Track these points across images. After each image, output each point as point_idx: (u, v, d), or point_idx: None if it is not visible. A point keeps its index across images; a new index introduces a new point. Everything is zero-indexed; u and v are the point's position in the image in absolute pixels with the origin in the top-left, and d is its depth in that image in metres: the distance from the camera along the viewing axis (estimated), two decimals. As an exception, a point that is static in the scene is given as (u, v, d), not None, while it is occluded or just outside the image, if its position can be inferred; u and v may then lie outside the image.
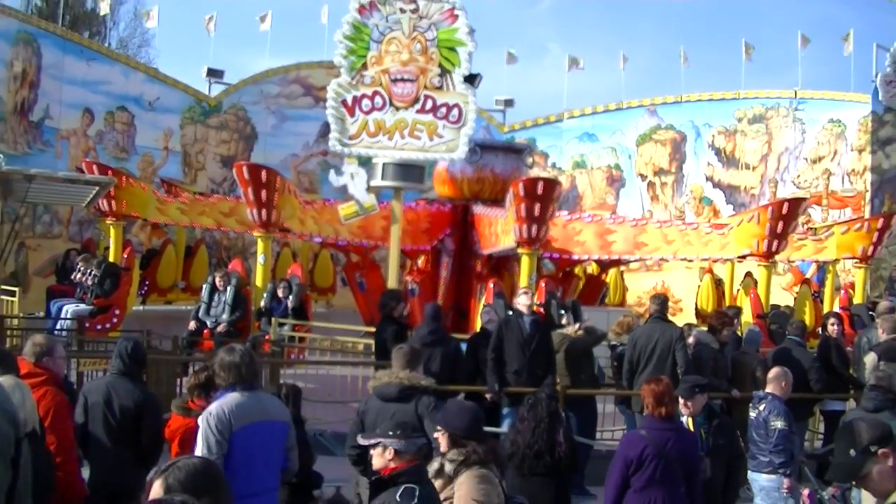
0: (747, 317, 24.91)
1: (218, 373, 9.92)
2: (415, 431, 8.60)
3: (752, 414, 13.71)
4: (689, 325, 19.13)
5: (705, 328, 19.97)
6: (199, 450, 9.33)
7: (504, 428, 15.38)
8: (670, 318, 18.58)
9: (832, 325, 19.24)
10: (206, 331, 23.82)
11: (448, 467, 8.29)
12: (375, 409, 10.95)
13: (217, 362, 9.95)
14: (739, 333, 20.06)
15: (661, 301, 17.98)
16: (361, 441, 8.61)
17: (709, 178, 40.72)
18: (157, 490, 5.32)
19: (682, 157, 41.60)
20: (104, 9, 47.43)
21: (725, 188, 40.20)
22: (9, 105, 31.69)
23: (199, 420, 9.52)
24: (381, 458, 8.17)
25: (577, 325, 18.57)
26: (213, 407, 9.54)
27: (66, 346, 20.89)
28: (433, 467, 8.48)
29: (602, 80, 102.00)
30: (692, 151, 41.34)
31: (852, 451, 5.95)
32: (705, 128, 41.00)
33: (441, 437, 8.64)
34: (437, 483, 8.33)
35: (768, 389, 13.51)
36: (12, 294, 24.39)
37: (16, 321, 23.47)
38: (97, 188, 19.67)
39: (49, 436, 9.82)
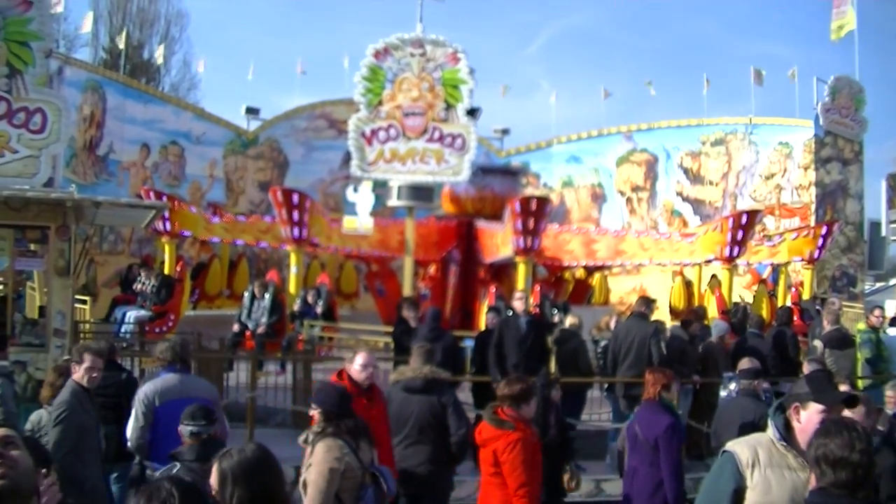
0: (713, 313, 24.92)
1: (157, 356, 10.90)
2: (204, 417, 8.72)
3: (723, 392, 13.75)
4: (660, 322, 19.06)
5: (677, 323, 20.02)
6: (131, 421, 10.22)
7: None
8: (650, 315, 18.55)
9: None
10: (247, 332, 23.82)
11: (310, 437, 8.47)
12: (399, 400, 10.92)
13: (157, 348, 10.95)
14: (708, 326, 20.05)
15: (646, 302, 17.95)
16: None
17: (678, 194, 40.69)
18: (213, 474, 5.32)
19: (655, 176, 41.58)
20: (158, 59, 47.78)
21: (693, 202, 40.16)
22: (79, 142, 31.74)
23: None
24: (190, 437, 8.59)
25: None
26: (144, 386, 10.56)
27: (128, 346, 21.02)
28: (302, 438, 8.73)
29: (585, 111, 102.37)
30: (664, 171, 41.31)
31: None
32: (674, 150, 40.97)
33: (315, 414, 8.71)
34: (306, 451, 8.54)
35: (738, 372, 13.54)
36: (84, 303, 24.39)
37: (87, 325, 23.48)
38: (154, 211, 19.62)
39: None
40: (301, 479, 8.51)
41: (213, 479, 5.31)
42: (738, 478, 5.92)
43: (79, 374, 10.06)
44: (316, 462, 8.18)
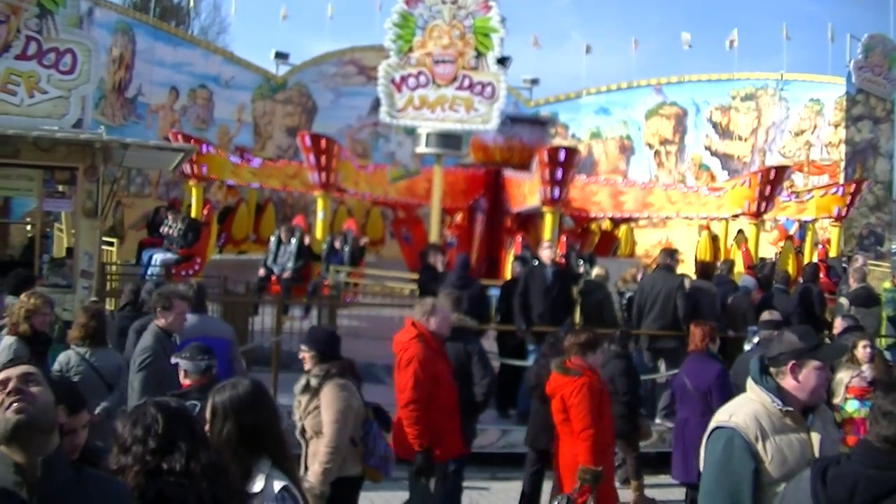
0: (739, 268, 24.82)
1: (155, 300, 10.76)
2: (202, 354, 8.74)
3: (747, 346, 13.74)
4: (684, 276, 19.05)
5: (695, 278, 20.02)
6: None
7: (529, 362, 15.36)
8: (675, 268, 18.51)
9: None
10: (273, 277, 23.89)
11: (313, 382, 8.40)
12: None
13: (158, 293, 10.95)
14: (735, 283, 19.97)
15: (670, 254, 17.96)
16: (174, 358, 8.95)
17: (707, 148, 40.51)
18: (208, 408, 5.37)
19: (684, 130, 41.39)
20: (189, 2, 47.72)
21: (721, 157, 39.99)
22: (108, 84, 31.77)
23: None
24: (182, 378, 8.67)
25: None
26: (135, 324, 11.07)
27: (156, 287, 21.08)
28: (300, 384, 8.64)
29: (615, 62, 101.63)
30: (692, 125, 41.12)
31: None
32: (704, 104, 40.76)
33: (307, 356, 8.70)
34: (304, 398, 8.53)
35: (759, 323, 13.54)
36: (111, 245, 24.44)
37: (114, 268, 23.55)
38: (182, 154, 19.65)
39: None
40: (299, 425, 8.59)
41: (207, 412, 5.36)
42: (752, 455, 5.59)
43: (166, 319, 10.10)
44: (329, 403, 8.21)
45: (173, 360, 8.88)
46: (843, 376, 11.38)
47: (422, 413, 9.90)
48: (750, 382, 5.83)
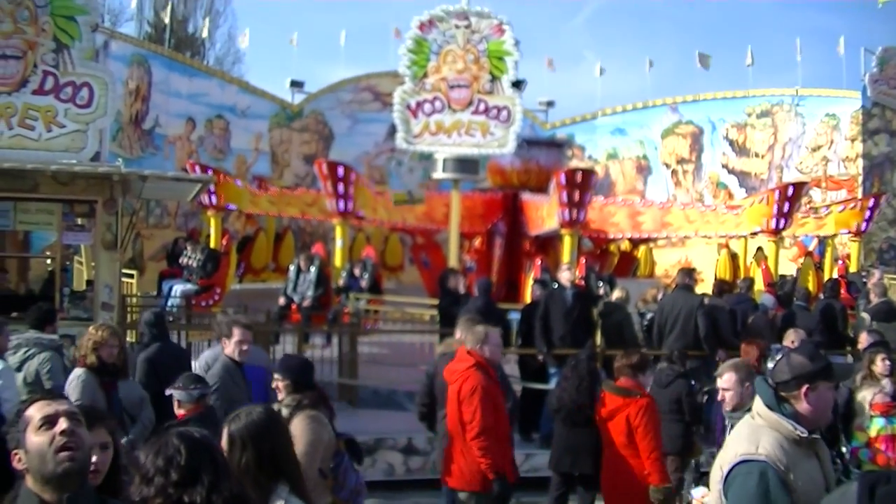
0: (759, 286, 24.77)
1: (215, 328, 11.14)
2: (194, 384, 8.87)
3: (770, 364, 13.70)
4: (705, 295, 19.05)
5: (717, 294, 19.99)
6: None
7: (551, 385, 15.35)
8: (695, 288, 18.51)
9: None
10: (293, 305, 23.90)
11: (284, 412, 8.28)
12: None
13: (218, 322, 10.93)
14: (755, 300, 19.94)
15: (688, 273, 18.00)
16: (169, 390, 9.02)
17: (724, 166, 40.46)
18: (224, 436, 5.39)
19: (701, 148, 41.37)
20: (203, 32, 47.96)
21: (738, 174, 39.94)
22: (125, 116, 31.87)
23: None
24: (177, 409, 8.78)
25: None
26: (205, 352, 11.46)
27: (175, 320, 21.12)
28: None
29: (630, 82, 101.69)
30: (709, 143, 41.09)
31: None
32: (720, 122, 40.73)
33: (280, 385, 8.73)
34: None
35: (784, 344, 13.48)
36: (131, 276, 24.48)
37: (134, 299, 23.61)
38: (200, 185, 19.68)
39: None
40: None
41: (224, 441, 5.37)
42: (786, 487, 5.43)
43: (229, 348, 10.15)
44: (298, 435, 8.15)
45: (167, 391, 8.96)
46: (866, 395, 11.31)
47: (492, 441, 9.95)
48: (764, 409, 5.69)
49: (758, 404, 5.78)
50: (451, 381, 10.31)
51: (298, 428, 8.10)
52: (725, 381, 8.49)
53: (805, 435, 5.55)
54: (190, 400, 8.69)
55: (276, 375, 8.90)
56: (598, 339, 17.74)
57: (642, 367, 10.39)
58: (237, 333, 10.16)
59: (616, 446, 10.31)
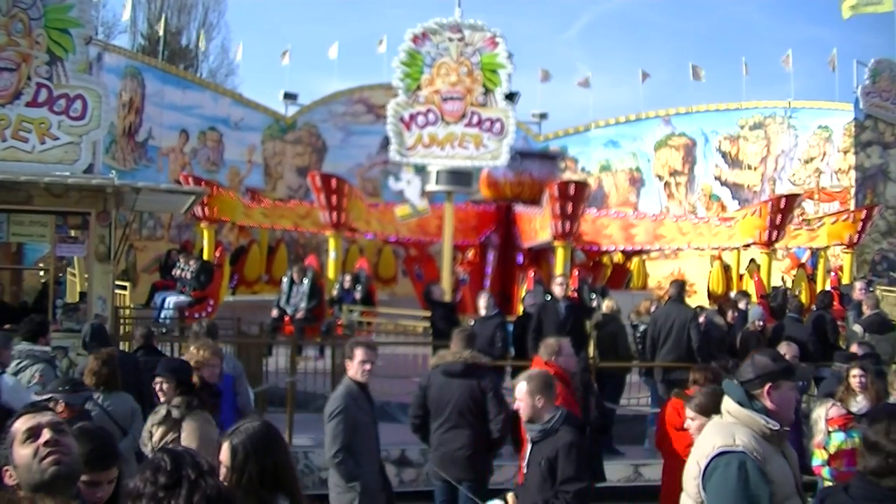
0: (753, 298, 24.83)
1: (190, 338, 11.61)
2: (82, 387, 8.96)
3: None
4: (701, 307, 19.09)
5: (715, 308, 20.01)
6: None
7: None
8: (686, 300, 18.55)
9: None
10: (286, 317, 23.90)
11: (175, 413, 8.38)
12: (439, 384, 10.91)
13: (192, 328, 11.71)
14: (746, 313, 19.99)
15: (679, 286, 18.01)
16: (34, 397, 8.92)
17: (717, 178, 40.51)
18: (224, 450, 5.38)
19: (694, 160, 41.42)
20: (197, 45, 48.01)
21: (731, 186, 39.99)
22: (119, 128, 31.87)
23: None
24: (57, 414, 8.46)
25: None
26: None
27: (168, 332, 21.11)
28: (159, 415, 8.65)
29: (623, 94, 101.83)
30: (702, 155, 41.14)
31: None
32: (713, 134, 40.79)
33: (165, 387, 8.73)
34: (163, 428, 8.51)
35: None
36: (124, 288, 24.49)
37: (127, 311, 23.63)
38: (193, 197, 19.73)
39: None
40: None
41: (225, 456, 5.36)
42: (765, 477, 5.58)
43: (353, 369, 9.98)
44: (190, 435, 8.11)
45: (43, 395, 8.80)
46: (820, 412, 11.26)
47: None
48: (735, 407, 5.86)
49: (728, 403, 5.97)
50: None
51: (190, 428, 8.21)
52: (517, 392, 8.41)
53: (777, 428, 5.72)
54: (77, 403, 8.67)
55: (158, 377, 8.89)
56: (592, 350, 17.76)
57: (717, 379, 10.49)
58: (360, 354, 9.99)
59: (683, 456, 10.31)
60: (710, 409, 7.40)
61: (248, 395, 11.48)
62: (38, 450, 4.28)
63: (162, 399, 8.72)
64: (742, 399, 5.83)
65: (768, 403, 5.78)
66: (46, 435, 4.30)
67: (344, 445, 9.41)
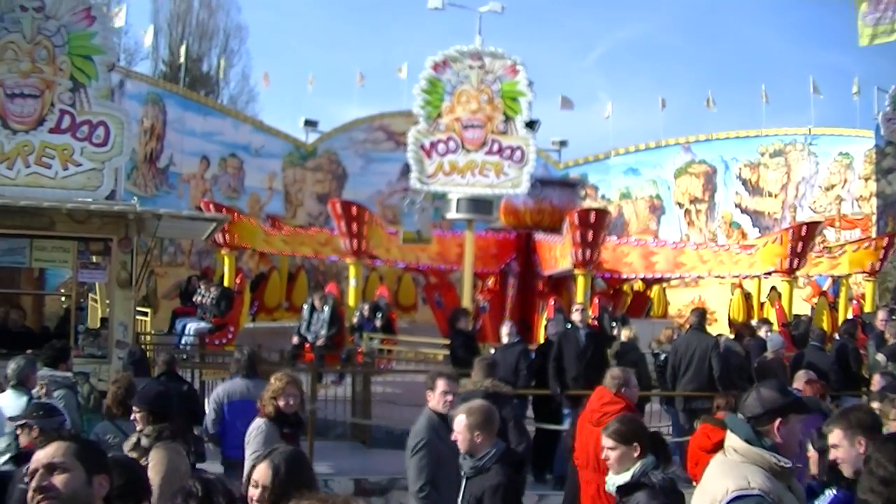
0: (774, 326, 24.72)
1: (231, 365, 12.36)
2: (55, 412, 8.88)
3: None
4: (720, 335, 19.02)
5: (732, 335, 19.94)
6: (207, 414, 12.32)
7: (565, 426, 15.33)
8: (707, 328, 18.48)
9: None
10: (307, 344, 23.89)
11: (144, 441, 8.30)
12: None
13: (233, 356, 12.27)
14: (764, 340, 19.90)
15: (700, 314, 17.91)
16: (9, 423, 9.05)
17: (737, 205, 40.49)
18: (263, 470, 5.43)
19: (714, 188, 41.40)
20: (218, 71, 48.22)
21: (752, 214, 39.95)
22: (140, 155, 31.97)
23: None
24: (26, 437, 8.55)
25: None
26: (218, 387, 12.46)
27: (188, 358, 21.13)
28: (131, 441, 8.50)
29: (643, 121, 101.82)
30: (722, 182, 41.12)
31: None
32: (733, 162, 40.79)
33: (139, 416, 8.79)
34: (134, 455, 8.26)
35: (794, 387, 13.35)
36: (145, 314, 24.54)
37: (148, 337, 23.67)
38: (214, 224, 19.79)
39: None
40: None
41: (264, 476, 5.40)
42: None
43: (434, 400, 9.73)
44: (156, 465, 8.02)
45: (17, 421, 8.87)
46: None
47: None
48: (742, 445, 5.66)
49: (733, 440, 5.76)
50: (597, 423, 10.30)
51: (157, 457, 8.11)
52: (455, 424, 8.15)
53: (789, 465, 5.56)
54: (52, 427, 8.48)
55: (133, 406, 8.99)
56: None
57: (727, 407, 10.57)
58: (441, 385, 9.75)
59: None
60: (629, 436, 7.23)
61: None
62: (31, 497, 4.35)
63: (137, 428, 8.75)
64: (749, 436, 5.66)
65: (777, 439, 5.66)
66: (36, 480, 4.35)
67: (429, 480, 9.17)
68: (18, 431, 8.72)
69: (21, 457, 8.13)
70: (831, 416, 7.66)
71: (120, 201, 18.28)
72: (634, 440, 7.10)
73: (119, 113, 17.60)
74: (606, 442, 7.24)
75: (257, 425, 9.85)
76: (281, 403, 9.82)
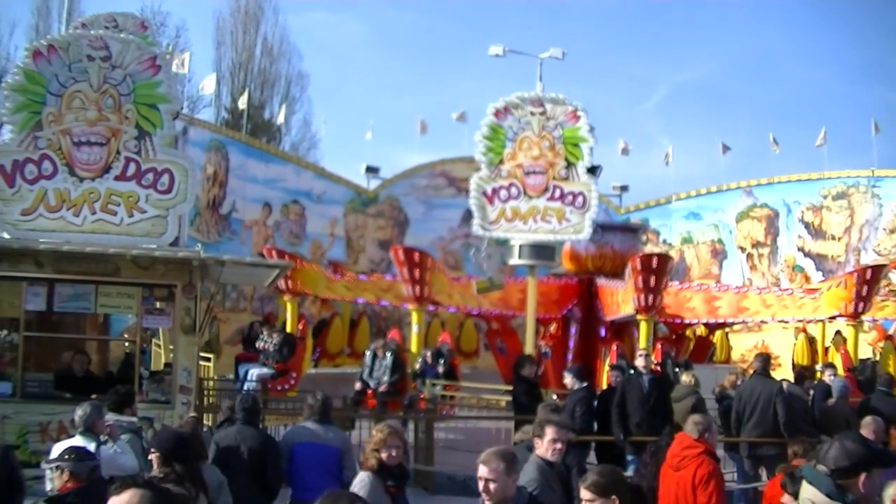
0: (839, 371, 24.46)
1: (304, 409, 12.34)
2: (88, 456, 8.97)
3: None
4: (784, 380, 18.85)
5: (793, 380, 19.77)
6: None
7: (629, 472, 15.23)
8: (771, 373, 18.33)
9: None
10: (369, 391, 23.92)
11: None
12: (523, 460, 10.81)
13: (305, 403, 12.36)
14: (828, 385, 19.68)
15: (764, 359, 17.79)
16: (43, 465, 9.24)
17: (800, 249, 40.20)
18: None
19: (776, 231, 41.14)
20: (279, 118, 48.57)
21: (815, 257, 39.66)
22: (203, 201, 32.23)
23: None
24: (59, 479, 8.63)
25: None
26: (286, 430, 12.60)
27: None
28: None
29: (704, 166, 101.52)
30: (784, 226, 40.86)
31: None
32: (795, 205, 40.52)
33: (154, 458, 8.92)
34: None
35: (861, 432, 13.19)
36: (208, 360, 24.65)
37: (211, 383, 23.77)
38: (278, 270, 19.90)
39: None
40: None
41: None
42: None
43: (542, 448, 9.59)
44: None
45: (45, 465, 9.13)
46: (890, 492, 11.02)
47: None
48: (822, 499, 5.63)
49: (812, 494, 5.72)
50: (678, 467, 10.31)
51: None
52: (487, 471, 7.47)
53: None
54: (83, 471, 8.70)
55: (150, 448, 9.18)
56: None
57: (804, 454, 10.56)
58: (551, 432, 9.59)
59: None
60: (608, 489, 7.00)
61: (356, 470, 11.57)
62: None
63: (154, 469, 8.92)
64: (831, 490, 5.63)
65: (862, 492, 5.61)
66: None
67: None
68: (52, 474, 8.84)
69: (55, 500, 8.27)
70: None
71: (184, 248, 18.48)
72: (613, 492, 6.93)
73: (183, 160, 17.75)
74: (584, 494, 7.02)
75: (360, 479, 9.55)
76: (384, 455, 9.51)
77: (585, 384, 17.84)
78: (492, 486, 7.48)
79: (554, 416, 10.65)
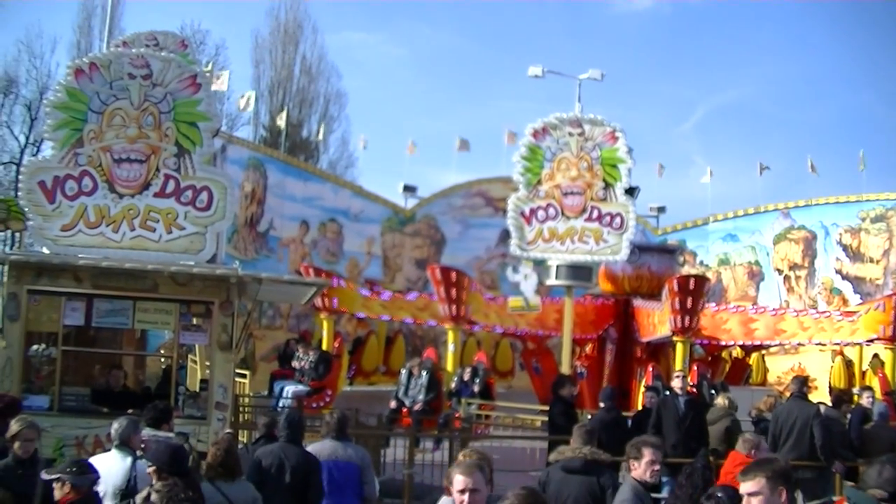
0: (877, 394, 24.31)
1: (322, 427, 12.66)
2: (89, 470, 9.10)
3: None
4: (821, 403, 18.74)
5: (830, 403, 19.64)
6: None
7: (664, 494, 15.17)
8: (808, 395, 18.24)
9: None
10: (404, 409, 23.93)
11: (154, 497, 8.36)
12: (558, 480, 10.77)
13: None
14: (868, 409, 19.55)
15: (801, 382, 17.67)
16: (44, 476, 9.22)
17: (838, 271, 40.04)
18: None
19: (814, 254, 40.99)
20: (318, 137, 48.79)
21: (853, 280, 39.48)
22: (241, 219, 32.39)
23: None
24: (60, 491, 8.81)
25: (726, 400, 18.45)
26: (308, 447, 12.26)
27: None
28: (141, 496, 8.81)
29: (741, 187, 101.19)
30: (822, 248, 40.72)
31: None
32: (833, 227, 40.39)
33: (151, 471, 9.08)
34: None
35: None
36: (243, 377, 24.72)
37: (246, 399, 23.84)
38: (315, 288, 19.93)
39: None
40: None
41: None
42: None
43: (639, 470, 9.62)
44: None
45: (47, 476, 9.15)
46: None
47: None
48: None
49: None
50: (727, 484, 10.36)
51: None
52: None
53: None
54: (84, 484, 8.88)
55: (148, 461, 9.33)
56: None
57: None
58: (648, 454, 9.62)
59: None
60: None
61: (374, 485, 11.92)
62: None
63: (151, 483, 9.00)
64: None
65: None
66: None
67: None
68: (54, 486, 8.97)
69: None
70: None
71: (222, 265, 18.52)
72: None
73: (222, 178, 17.81)
74: None
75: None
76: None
77: (603, 405, 17.89)
78: (477, 496, 7.35)
79: (651, 438, 10.57)
